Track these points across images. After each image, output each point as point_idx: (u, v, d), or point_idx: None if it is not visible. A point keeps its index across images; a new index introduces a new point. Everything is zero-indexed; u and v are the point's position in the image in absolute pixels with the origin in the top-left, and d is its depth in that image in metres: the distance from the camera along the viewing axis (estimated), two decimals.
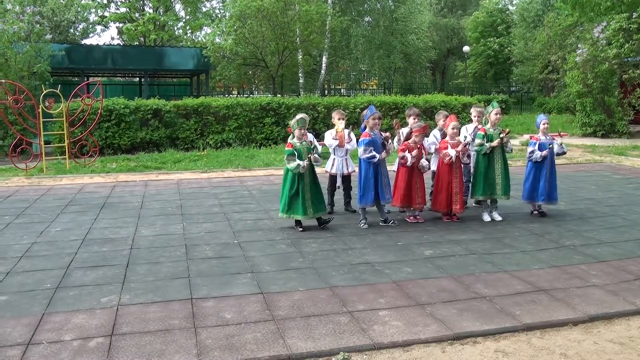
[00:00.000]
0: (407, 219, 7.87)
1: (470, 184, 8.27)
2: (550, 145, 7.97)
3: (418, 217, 7.87)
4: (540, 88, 39.89)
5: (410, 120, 8.19)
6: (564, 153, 8.11)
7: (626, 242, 6.81)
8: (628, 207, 8.91)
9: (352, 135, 8.31)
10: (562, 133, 8.74)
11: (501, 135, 7.83)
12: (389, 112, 18.57)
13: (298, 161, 7.10)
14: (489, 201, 8.03)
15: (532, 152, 7.96)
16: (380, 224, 7.63)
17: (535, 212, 8.24)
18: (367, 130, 7.50)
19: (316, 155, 7.21)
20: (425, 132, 7.73)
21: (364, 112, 7.64)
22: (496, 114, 7.92)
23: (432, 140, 8.31)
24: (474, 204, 8.82)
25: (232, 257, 6.17)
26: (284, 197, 7.31)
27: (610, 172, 12.80)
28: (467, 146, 7.87)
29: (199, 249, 6.46)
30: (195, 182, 11.49)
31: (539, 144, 7.95)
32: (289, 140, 7.34)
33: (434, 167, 8.19)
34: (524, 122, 27.16)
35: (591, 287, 5.25)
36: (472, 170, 8.33)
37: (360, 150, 7.37)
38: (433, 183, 8.09)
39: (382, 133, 7.54)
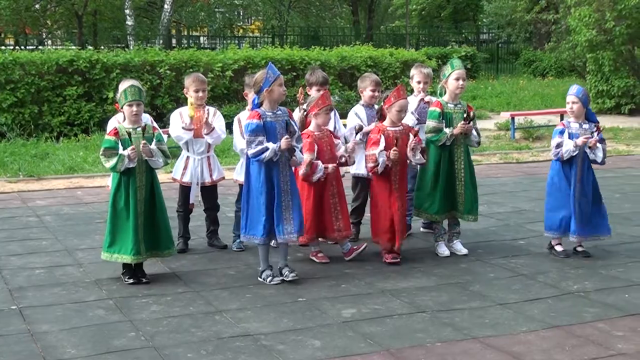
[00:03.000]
0: (314, 257, 7.97)
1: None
2: (593, 132, 7.90)
3: (348, 252, 7.93)
4: (527, 36, 41.60)
5: (314, 92, 8.27)
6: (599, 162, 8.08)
7: None
8: None
9: (219, 115, 8.30)
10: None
11: (465, 116, 8.04)
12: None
13: (121, 151, 7.05)
14: (446, 223, 8.28)
15: (559, 145, 7.98)
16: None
17: (563, 250, 8.18)
18: (263, 107, 7.39)
19: (152, 147, 7.10)
20: (328, 105, 7.76)
21: (260, 73, 7.36)
22: (458, 79, 8.09)
23: (354, 121, 8.43)
24: (421, 229, 9.07)
25: (6, 335, 6.02)
26: (107, 225, 7.36)
27: None
28: (419, 141, 7.86)
29: None
30: None
31: (569, 133, 7.96)
32: (114, 123, 7.38)
33: (357, 169, 8.31)
34: (502, 92, 28.16)
35: (616, 358, 5.49)
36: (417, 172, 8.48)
37: (244, 143, 7.26)
38: (354, 195, 8.16)
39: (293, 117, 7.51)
